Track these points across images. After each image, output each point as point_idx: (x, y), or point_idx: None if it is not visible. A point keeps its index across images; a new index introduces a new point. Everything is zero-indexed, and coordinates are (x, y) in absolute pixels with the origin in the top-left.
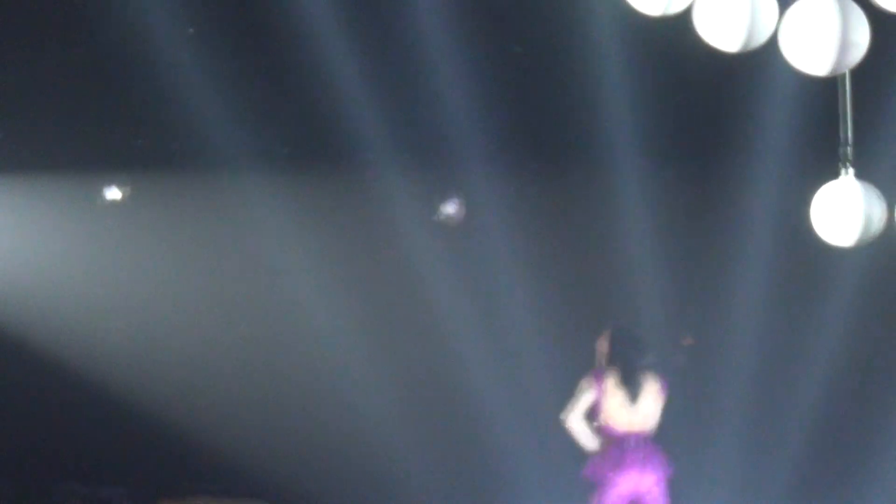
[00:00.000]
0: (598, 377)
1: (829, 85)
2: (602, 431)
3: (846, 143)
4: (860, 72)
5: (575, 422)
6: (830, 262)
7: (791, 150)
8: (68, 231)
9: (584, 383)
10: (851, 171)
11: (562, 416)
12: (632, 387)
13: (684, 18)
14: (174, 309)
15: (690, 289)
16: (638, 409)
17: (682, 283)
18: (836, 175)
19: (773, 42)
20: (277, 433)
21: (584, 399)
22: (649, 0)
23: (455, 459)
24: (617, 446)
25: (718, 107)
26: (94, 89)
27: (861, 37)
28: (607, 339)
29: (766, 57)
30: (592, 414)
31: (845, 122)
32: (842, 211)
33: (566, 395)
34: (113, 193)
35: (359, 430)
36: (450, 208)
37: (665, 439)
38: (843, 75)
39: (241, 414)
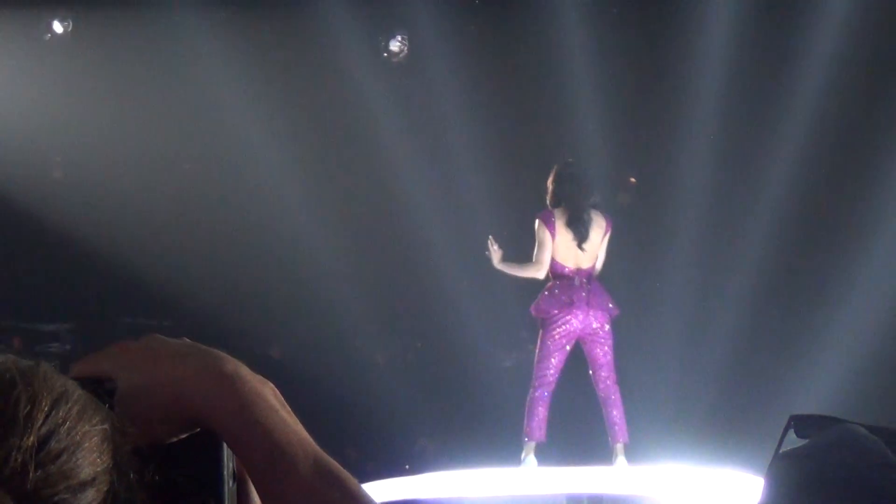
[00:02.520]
0: (548, 217)
1: None
2: (549, 270)
3: None
4: None
5: (544, 273)
6: (783, 98)
7: None
8: (11, 65)
9: (538, 228)
10: None
11: (537, 275)
12: (579, 227)
13: None
14: (118, 144)
15: (636, 127)
16: (585, 248)
17: (627, 121)
18: None
19: None
20: (222, 269)
21: (546, 249)
22: None
23: (399, 293)
24: (563, 285)
25: None
26: None
27: None
28: (553, 177)
29: None
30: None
31: None
32: None
33: (512, 231)
34: (55, 28)
35: (304, 265)
36: (394, 45)
37: (610, 280)
38: None
39: (184, 250)
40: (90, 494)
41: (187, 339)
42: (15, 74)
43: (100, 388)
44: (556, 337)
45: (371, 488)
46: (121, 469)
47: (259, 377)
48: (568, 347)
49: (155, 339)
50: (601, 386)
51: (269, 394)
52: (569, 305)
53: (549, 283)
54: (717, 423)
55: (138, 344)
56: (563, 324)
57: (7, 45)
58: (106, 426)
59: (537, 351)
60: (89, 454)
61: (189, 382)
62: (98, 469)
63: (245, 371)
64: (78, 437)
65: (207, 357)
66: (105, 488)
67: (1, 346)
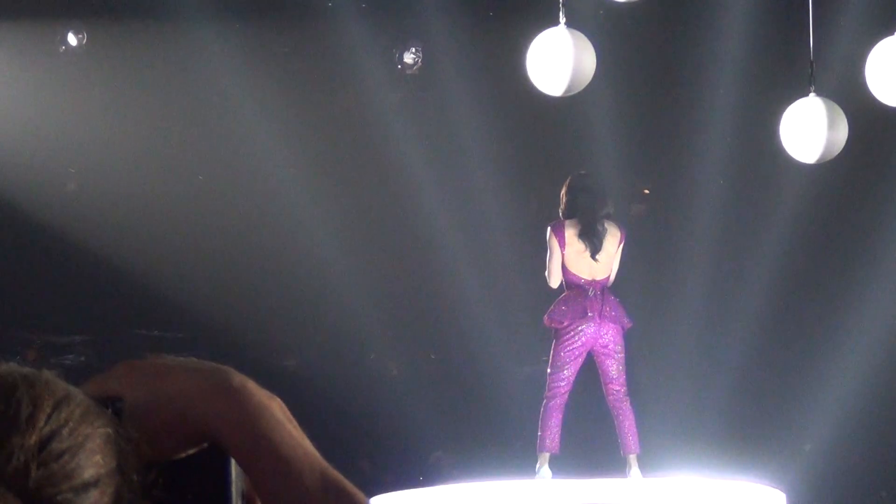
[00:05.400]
0: (559, 228)
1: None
2: (563, 280)
3: (812, 63)
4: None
5: (556, 282)
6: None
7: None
8: (25, 77)
9: (549, 238)
10: (814, 89)
11: (549, 284)
12: (592, 237)
13: None
14: (133, 155)
15: (650, 137)
16: (599, 259)
17: (641, 132)
18: (802, 93)
19: None
20: (237, 281)
21: (556, 259)
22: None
23: (413, 304)
24: (577, 295)
25: None
26: None
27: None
28: (566, 188)
29: None
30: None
31: (809, 41)
32: (807, 129)
33: (525, 242)
34: (70, 40)
35: (318, 277)
36: (408, 57)
37: (623, 291)
38: None
39: (199, 262)
40: (94, 496)
41: (194, 358)
42: (30, 86)
43: (109, 407)
44: (570, 348)
45: (384, 500)
46: (125, 473)
47: (266, 392)
48: (581, 358)
49: (161, 357)
50: (611, 398)
51: (276, 408)
52: (582, 317)
53: (564, 294)
54: (730, 433)
55: (144, 362)
56: (576, 335)
57: (22, 58)
58: (109, 429)
59: (550, 362)
60: (92, 455)
61: (196, 396)
62: (102, 471)
63: (252, 385)
64: (80, 439)
65: (214, 372)
66: (110, 490)
67: (16, 357)
